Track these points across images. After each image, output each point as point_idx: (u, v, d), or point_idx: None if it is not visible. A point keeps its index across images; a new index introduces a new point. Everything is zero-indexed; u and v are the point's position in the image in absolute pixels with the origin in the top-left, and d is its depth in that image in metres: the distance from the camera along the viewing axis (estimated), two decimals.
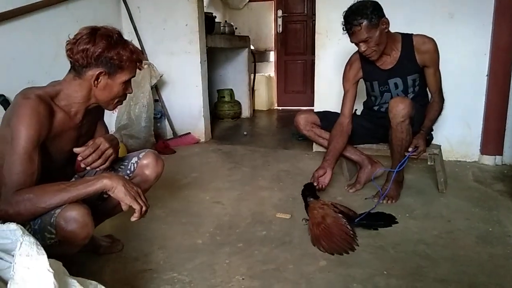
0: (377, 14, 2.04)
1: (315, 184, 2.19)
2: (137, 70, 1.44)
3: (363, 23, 2.01)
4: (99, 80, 1.34)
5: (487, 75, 2.93)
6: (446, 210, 2.17)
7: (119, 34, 1.36)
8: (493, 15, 2.83)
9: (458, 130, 3.04)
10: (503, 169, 2.91)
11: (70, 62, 1.34)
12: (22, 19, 2.68)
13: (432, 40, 2.18)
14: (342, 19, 2.10)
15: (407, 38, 2.21)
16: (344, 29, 2.10)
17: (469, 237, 1.86)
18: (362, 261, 1.66)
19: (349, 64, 2.35)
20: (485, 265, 1.62)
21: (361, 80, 2.38)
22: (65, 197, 1.22)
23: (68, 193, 1.22)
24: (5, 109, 2.42)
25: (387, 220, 2.01)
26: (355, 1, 2.11)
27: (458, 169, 2.90)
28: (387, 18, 2.08)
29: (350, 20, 2.04)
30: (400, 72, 2.24)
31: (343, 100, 2.37)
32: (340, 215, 1.82)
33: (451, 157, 3.07)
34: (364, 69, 2.31)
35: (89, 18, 3.20)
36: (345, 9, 2.12)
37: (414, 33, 2.22)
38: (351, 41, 2.14)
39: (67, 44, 1.32)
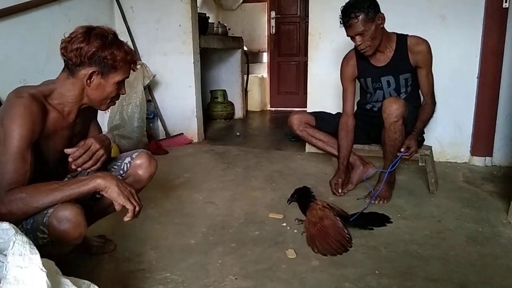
0: (374, 9, 2.10)
1: (339, 190, 2.41)
2: (131, 71, 1.44)
3: (360, 16, 2.07)
4: (92, 79, 1.34)
5: (477, 77, 2.96)
6: (437, 211, 2.19)
7: (115, 35, 1.36)
8: (483, 18, 2.87)
9: (449, 132, 3.08)
10: (492, 170, 2.95)
11: (64, 60, 1.34)
12: (15, 17, 2.66)
13: (426, 41, 2.22)
14: (340, 13, 2.15)
15: (401, 38, 2.25)
16: (341, 22, 2.15)
17: (459, 237, 1.89)
18: (354, 260, 1.68)
19: (345, 60, 2.40)
20: (475, 265, 1.64)
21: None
22: (58, 196, 1.21)
23: (61, 193, 1.22)
24: None
25: (381, 219, 2.02)
26: (349, 0, 2.16)
27: (449, 170, 2.94)
28: (383, 14, 2.13)
29: (348, 13, 2.10)
30: (392, 70, 2.27)
31: (343, 98, 2.42)
32: (338, 218, 1.83)
33: (442, 158, 3.10)
34: (359, 65, 2.35)
35: (81, 17, 3.19)
36: (338, 10, 2.15)
37: (409, 34, 2.26)
38: (347, 35, 2.18)
39: (61, 43, 1.32)
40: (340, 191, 2.41)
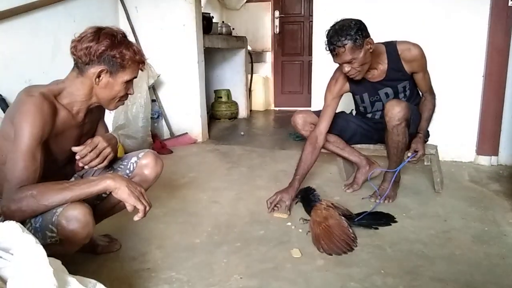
0: (362, 35, 1.96)
1: (271, 206, 2.14)
2: (139, 71, 1.45)
3: (347, 45, 1.93)
4: (100, 78, 1.35)
5: (483, 76, 2.95)
6: (443, 210, 2.18)
7: (124, 35, 1.38)
8: (488, 16, 2.86)
9: (454, 131, 3.06)
10: (498, 169, 2.93)
11: (74, 59, 1.36)
12: (20, 18, 2.66)
13: (417, 46, 2.13)
14: (325, 39, 2.01)
15: (391, 48, 2.15)
16: (327, 49, 2.02)
17: (465, 237, 1.88)
18: (359, 260, 1.67)
19: (334, 79, 2.27)
20: (481, 264, 1.63)
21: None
22: (68, 196, 1.22)
23: (71, 192, 1.23)
24: (1, 108, 2.41)
25: (386, 219, 2.02)
26: (339, 20, 2.02)
27: (454, 169, 2.92)
28: (371, 39, 2.02)
29: (334, 41, 1.96)
30: (389, 82, 2.21)
31: (321, 114, 2.28)
32: (343, 217, 1.83)
33: (447, 157, 3.08)
34: (352, 83, 2.24)
35: (86, 17, 3.20)
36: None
37: (397, 40, 2.17)
38: (334, 61, 2.07)
39: (71, 42, 1.34)
40: (271, 209, 2.14)
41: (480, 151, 3.05)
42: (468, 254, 1.72)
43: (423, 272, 1.57)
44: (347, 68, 2.03)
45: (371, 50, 2.03)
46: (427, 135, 2.37)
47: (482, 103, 2.98)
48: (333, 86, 2.27)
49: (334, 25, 2.01)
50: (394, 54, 2.14)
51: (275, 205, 2.15)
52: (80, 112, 1.41)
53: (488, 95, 2.95)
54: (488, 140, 3.01)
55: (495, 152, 3.01)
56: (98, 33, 1.32)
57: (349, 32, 1.94)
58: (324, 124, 2.27)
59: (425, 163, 2.35)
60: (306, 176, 2.28)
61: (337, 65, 2.16)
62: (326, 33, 2.02)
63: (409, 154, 2.16)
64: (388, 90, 2.24)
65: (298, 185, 2.21)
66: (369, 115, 2.41)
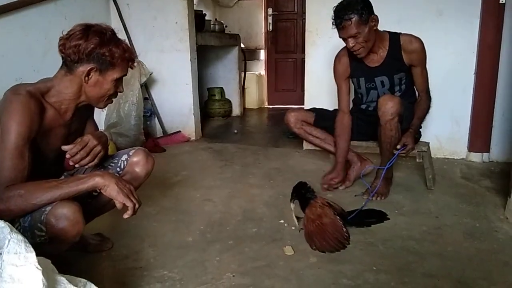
0: (367, 11, 2.07)
1: (325, 186, 2.42)
2: (129, 70, 1.44)
3: (353, 18, 2.04)
4: (90, 76, 1.34)
5: (474, 73, 2.97)
6: (434, 207, 2.19)
7: (113, 32, 1.37)
8: (480, 13, 2.87)
9: (446, 128, 3.08)
10: (490, 166, 2.95)
11: (62, 57, 1.34)
12: (10, 15, 2.64)
13: (419, 39, 2.20)
14: (332, 14, 2.12)
15: (394, 37, 2.23)
16: (334, 23, 2.12)
17: (456, 233, 1.89)
18: (352, 257, 1.68)
19: (337, 59, 2.38)
20: (473, 260, 1.64)
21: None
22: (56, 194, 1.21)
23: (59, 190, 1.22)
24: None
25: (379, 216, 2.02)
26: (342, 1, 2.13)
27: (446, 166, 2.94)
28: (376, 16, 2.11)
29: (341, 15, 2.07)
30: (386, 70, 2.26)
31: (338, 97, 2.41)
32: (338, 217, 1.83)
33: (439, 154, 3.10)
34: (351, 65, 2.33)
35: (77, 15, 3.17)
36: (335, 6, 2.13)
37: (402, 32, 2.24)
38: (340, 36, 2.16)
39: (60, 40, 1.32)
40: (333, 187, 2.43)
41: (472, 148, 3.07)
42: (459, 250, 1.73)
43: (415, 269, 1.58)
44: (351, 43, 2.12)
45: (375, 28, 2.12)
46: (418, 134, 2.39)
47: (474, 100, 3.00)
48: (337, 67, 2.39)
49: (341, 2, 2.12)
50: (396, 42, 2.21)
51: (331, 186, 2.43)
52: (68, 111, 1.40)
53: (480, 92, 2.97)
54: (480, 137, 3.03)
55: (486, 149, 3.03)
56: (87, 30, 1.31)
57: (355, 7, 2.05)
58: (343, 103, 2.40)
59: (417, 160, 2.37)
60: (346, 155, 2.45)
61: (335, 55, 2.31)
62: (334, 8, 2.13)
63: (398, 147, 2.17)
64: (384, 78, 2.28)
65: (341, 165, 2.43)
66: (364, 106, 2.43)
